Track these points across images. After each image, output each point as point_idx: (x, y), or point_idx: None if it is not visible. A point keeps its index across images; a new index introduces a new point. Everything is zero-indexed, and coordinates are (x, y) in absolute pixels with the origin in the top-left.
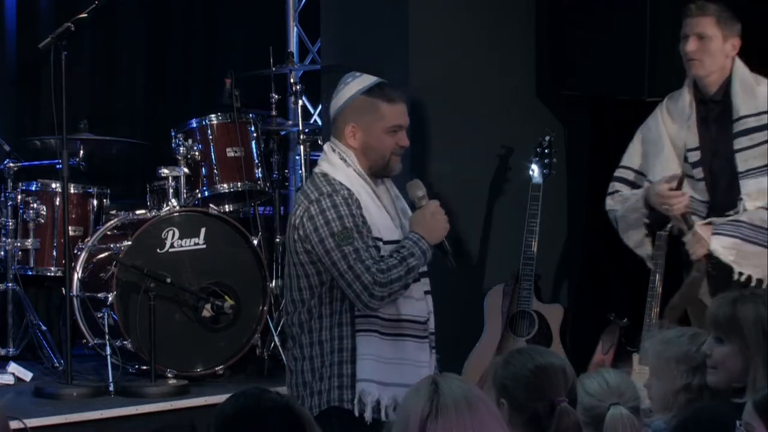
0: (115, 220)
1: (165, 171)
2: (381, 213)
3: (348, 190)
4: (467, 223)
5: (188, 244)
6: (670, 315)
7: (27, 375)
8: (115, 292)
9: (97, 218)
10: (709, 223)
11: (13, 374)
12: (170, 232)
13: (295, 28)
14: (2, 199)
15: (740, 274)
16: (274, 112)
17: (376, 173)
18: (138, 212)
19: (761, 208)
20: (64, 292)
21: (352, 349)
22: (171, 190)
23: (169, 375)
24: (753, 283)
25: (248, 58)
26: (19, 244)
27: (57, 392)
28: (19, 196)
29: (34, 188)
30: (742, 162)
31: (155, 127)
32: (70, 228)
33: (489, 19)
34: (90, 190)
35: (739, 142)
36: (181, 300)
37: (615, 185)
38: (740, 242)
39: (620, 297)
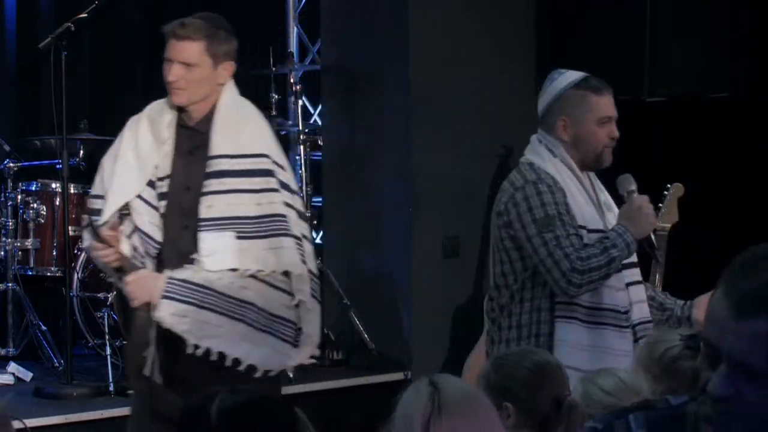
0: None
1: None
2: (587, 202)
3: (553, 178)
4: (467, 223)
5: None
6: None
7: (27, 375)
8: (115, 292)
9: None
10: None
11: (13, 374)
12: None
13: (295, 28)
14: (2, 199)
15: (196, 347)
16: (274, 112)
17: (588, 165)
18: None
19: (225, 271)
20: (64, 292)
21: (549, 335)
22: None
23: None
24: (213, 357)
25: (248, 58)
26: (19, 244)
27: (57, 392)
28: (19, 196)
29: (34, 188)
30: (206, 208)
31: None
32: (70, 228)
33: (489, 19)
34: (90, 191)
35: (211, 185)
36: None
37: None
38: (195, 309)
39: None
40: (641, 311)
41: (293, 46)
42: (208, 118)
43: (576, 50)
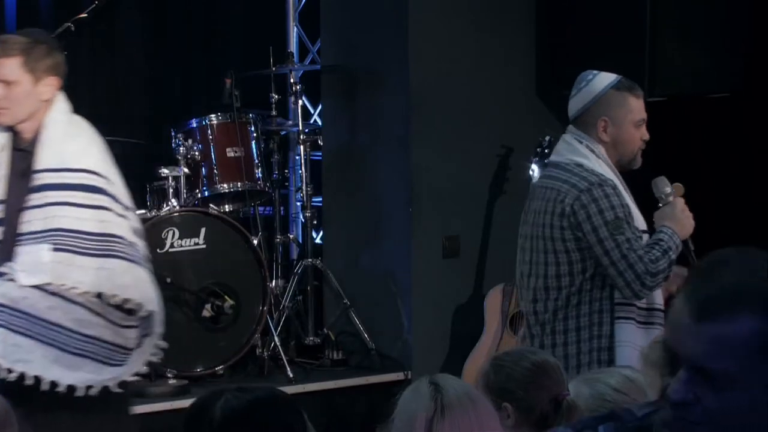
0: None
1: (165, 171)
2: (633, 204)
3: (613, 181)
4: (467, 223)
5: (188, 244)
6: None
7: None
8: None
9: None
10: None
11: None
12: (170, 232)
13: (295, 28)
14: None
15: (9, 371)
16: (274, 112)
17: (623, 166)
18: (138, 212)
19: (31, 288)
20: None
21: (609, 336)
22: (171, 190)
23: (169, 375)
24: (29, 381)
25: (248, 58)
26: None
27: None
28: None
29: None
30: (26, 223)
31: (155, 127)
32: None
33: (489, 19)
34: None
35: (32, 199)
36: (181, 300)
37: None
38: (4, 331)
39: None
40: None
41: (293, 46)
42: (36, 138)
43: (576, 50)
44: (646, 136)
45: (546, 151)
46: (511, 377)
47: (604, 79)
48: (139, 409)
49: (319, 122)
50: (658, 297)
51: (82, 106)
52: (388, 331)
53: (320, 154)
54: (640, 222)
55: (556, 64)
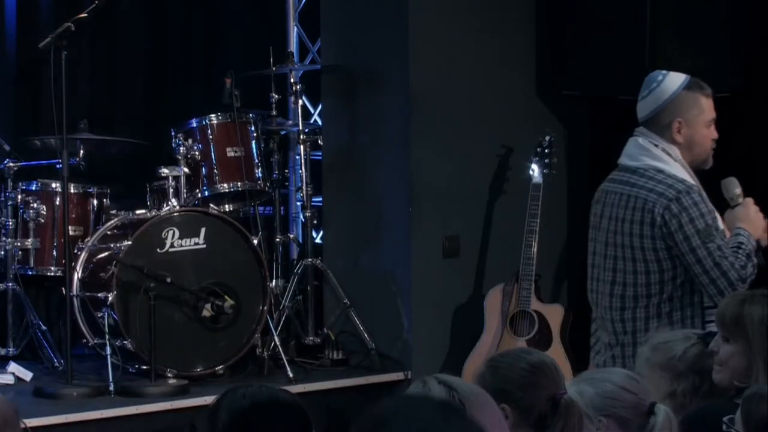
0: (115, 219)
1: (165, 171)
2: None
3: (698, 186)
4: (467, 223)
5: (188, 243)
6: None
7: (27, 375)
8: (115, 292)
9: (97, 218)
10: None
11: (13, 374)
12: (170, 232)
13: (295, 28)
14: (2, 198)
15: None
16: (274, 112)
17: (695, 168)
18: (138, 212)
19: None
20: (64, 292)
21: None
22: (171, 190)
23: (169, 375)
24: None
25: (248, 58)
26: (19, 244)
27: (57, 392)
28: (19, 196)
29: (34, 188)
30: None
31: (155, 127)
32: (70, 228)
33: (489, 19)
34: (90, 190)
35: None
36: (181, 300)
37: None
38: None
39: None
40: None
41: (293, 46)
42: None
43: (576, 50)
44: (716, 135)
45: (546, 151)
46: (508, 378)
47: (676, 79)
48: (139, 409)
49: (319, 122)
50: None
51: (82, 106)
52: (388, 331)
53: (320, 153)
54: (719, 225)
55: (556, 64)
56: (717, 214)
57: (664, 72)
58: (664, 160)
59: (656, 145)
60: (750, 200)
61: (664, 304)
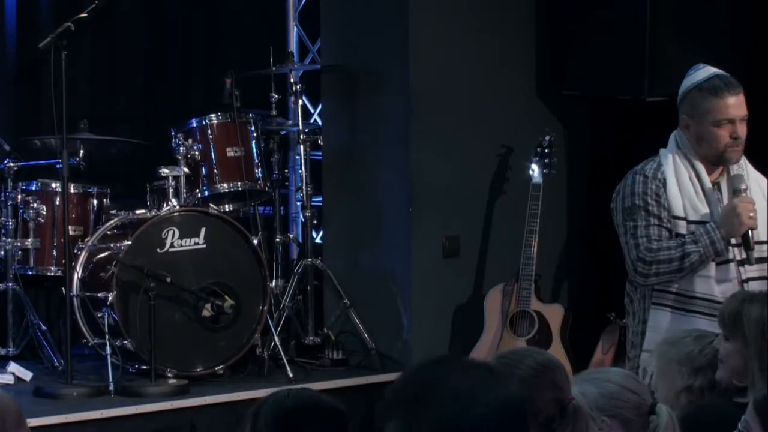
0: (115, 219)
1: (165, 171)
2: (692, 194)
3: (657, 169)
4: (467, 222)
5: (188, 243)
6: None
7: (27, 375)
8: (115, 292)
9: (97, 218)
10: None
11: (13, 374)
12: (170, 232)
13: (295, 28)
14: (2, 198)
15: None
16: (274, 112)
17: (713, 162)
18: (138, 212)
19: None
20: (64, 291)
21: (643, 322)
22: (171, 190)
23: (169, 375)
24: None
25: (248, 58)
26: (19, 244)
27: (57, 392)
28: (19, 196)
29: (34, 188)
30: None
31: (155, 127)
32: (70, 228)
33: (489, 20)
34: (90, 190)
35: None
36: (181, 300)
37: None
38: None
39: (620, 297)
40: None
41: (293, 46)
42: None
43: (576, 50)
44: (736, 134)
45: (546, 151)
46: (516, 376)
47: (697, 76)
48: (139, 409)
49: (319, 122)
50: (700, 285)
51: (82, 106)
52: (388, 331)
53: (320, 153)
54: (691, 211)
55: (556, 64)
56: (657, 199)
57: (700, 66)
58: (668, 147)
59: (675, 135)
60: (740, 199)
61: (632, 282)
